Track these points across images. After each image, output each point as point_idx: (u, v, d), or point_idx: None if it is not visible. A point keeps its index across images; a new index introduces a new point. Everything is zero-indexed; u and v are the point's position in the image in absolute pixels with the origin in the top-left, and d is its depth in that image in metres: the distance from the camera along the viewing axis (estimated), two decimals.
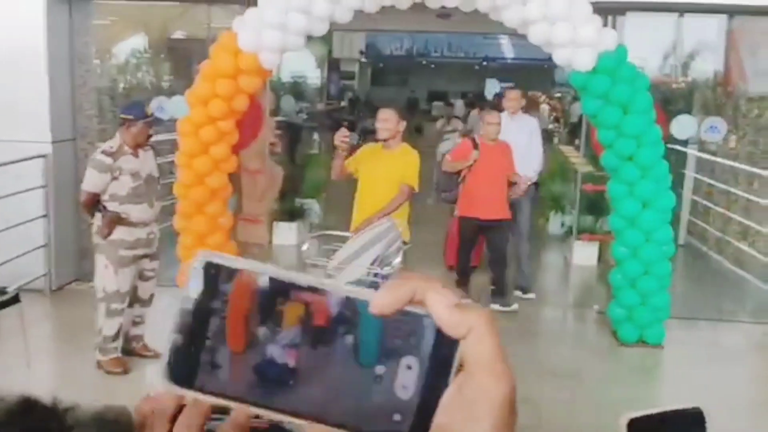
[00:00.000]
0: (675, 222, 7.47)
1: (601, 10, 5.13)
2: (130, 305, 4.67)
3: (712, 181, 7.90)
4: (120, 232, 4.42)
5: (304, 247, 4.32)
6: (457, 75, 25.29)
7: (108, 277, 4.47)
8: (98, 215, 4.45)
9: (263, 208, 6.94)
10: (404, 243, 3.86)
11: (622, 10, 5.94)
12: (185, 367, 0.40)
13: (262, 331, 0.39)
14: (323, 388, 0.39)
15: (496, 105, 12.08)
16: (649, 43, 7.25)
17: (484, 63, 25.50)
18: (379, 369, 0.39)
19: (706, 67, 8.46)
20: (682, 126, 6.61)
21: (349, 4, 5.12)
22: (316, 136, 12.01)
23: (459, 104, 16.94)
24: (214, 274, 0.40)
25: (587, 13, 4.97)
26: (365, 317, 0.39)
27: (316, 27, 5.26)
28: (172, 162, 5.78)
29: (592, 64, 4.92)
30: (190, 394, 0.40)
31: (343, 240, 4.16)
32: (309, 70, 17.19)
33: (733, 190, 7.42)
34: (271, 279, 0.39)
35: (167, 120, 5.79)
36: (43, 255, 6.00)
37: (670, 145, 6.46)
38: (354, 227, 4.52)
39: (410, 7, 5.20)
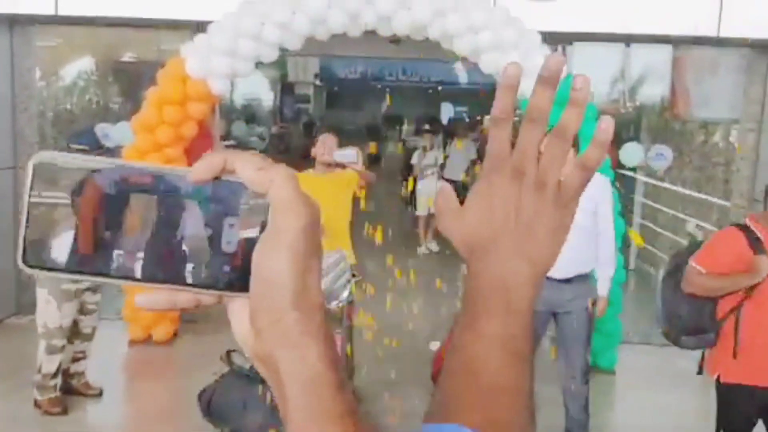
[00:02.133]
0: (625, 247, 7.58)
1: (549, 40, 5.20)
2: (71, 341, 4.47)
3: (659, 206, 8.06)
4: None
5: None
6: (411, 99, 25.48)
7: (50, 312, 4.28)
8: None
9: None
10: (353, 275, 3.79)
11: (569, 39, 6.04)
12: (37, 252, 0.45)
13: (108, 236, 0.45)
14: (167, 262, 0.46)
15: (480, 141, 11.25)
16: (597, 71, 7.40)
17: (439, 87, 25.76)
18: (207, 231, 0.46)
19: (653, 93, 8.68)
20: (630, 153, 6.71)
21: (300, 31, 5.08)
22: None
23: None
24: (54, 172, 0.45)
25: (537, 43, 5.03)
26: (190, 190, 0.45)
27: (266, 53, 5.19)
28: None
29: None
30: (42, 273, 0.46)
31: None
32: (262, 93, 17.07)
33: (679, 215, 7.57)
34: (113, 179, 0.45)
35: (113, 147, 5.62)
36: None
37: (619, 170, 6.56)
38: None
39: (362, 33, 5.19)
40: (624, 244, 5.94)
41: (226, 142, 8.82)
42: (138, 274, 0.45)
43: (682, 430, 4.42)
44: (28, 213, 0.45)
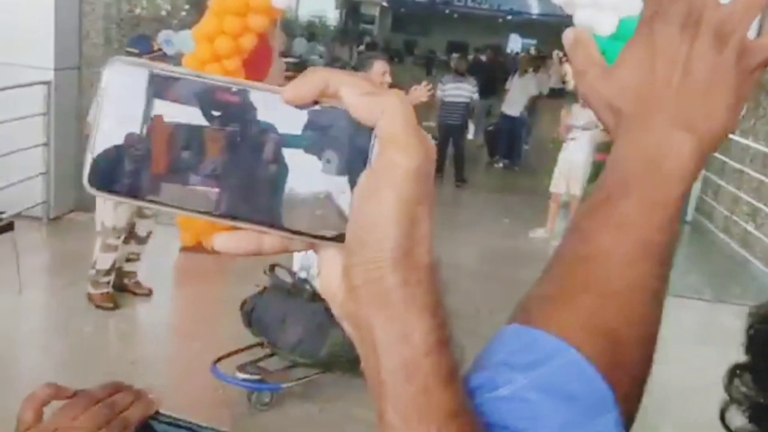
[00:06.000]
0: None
1: None
2: (127, 242, 4.65)
3: (725, 159, 7.73)
4: None
5: None
6: (479, 27, 24.74)
7: (107, 212, 4.44)
8: None
9: None
10: None
11: None
12: (107, 174, 0.39)
13: (183, 155, 0.39)
14: (251, 198, 0.39)
15: None
16: None
17: (509, 17, 24.92)
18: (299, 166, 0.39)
19: None
20: None
21: None
22: None
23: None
24: (130, 82, 0.39)
25: None
26: (283, 114, 0.38)
27: None
28: None
29: (612, 29, 4.73)
30: (113, 199, 0.40)
31: None
32: (327, 11, 16.81)
33: (746, 169, 7.26)
34: (195, 94, 0.38)
35: (174, 54, 5.65)
36: (41, 183, 5.96)
37: None
38: None
39: None
40: None
41: (287, 59, 8.77)
42: (216, 208, 0.39)
43: (720, 389, 4.37)
44: (98, 127, 0.39)
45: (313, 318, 3.62)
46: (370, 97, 0.37)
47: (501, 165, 10.81)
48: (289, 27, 9.76)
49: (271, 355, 3.77)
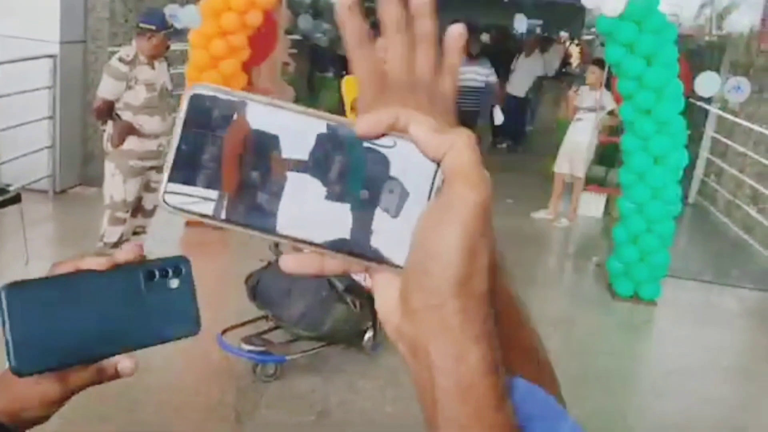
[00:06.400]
0: (687, 180, 7.34)
1: None
2: (134, 215, 4.68)
3: (729, 142, 7.74)
4: (131, 143, 4.38)
5: None
6: (483, 6, 24.55)
7: (115, 185, 4.47)
8: (111, 123, 4.40)
9: None
10: None
11: None
12: (181, 194, 0.41)
13: (253, 176, 0.40)
14: (311, 220, 0.41)
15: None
16: None
17: None
18: (363, 194, 0.40)
19: (742, 23, 8.16)
20: (706, 83, 6.42)
21: None
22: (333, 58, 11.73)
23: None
24: (207, 107, 0.41)
25: None
26: (350, 145, 0.40)
27: None
28: (183, 74, 5.69)
29: (620, 10, 4.73)
30: (190, 217, 0.41)
31: None
32: None
33: (749, 153, 7.27)
34: (267, 120, 0.40)
35: (182, 29, 5.65)
36: (47, 156, 5.99)
37: (691, 100, 6.29)
38: None
39: None
40: (685, 177, 5.76)
41: (292, 36, 8.74)
42: (280, 228, 0.41)
43: (712, 369, 4.42)
44: (174, 149, 0.41)
45: (316, 292, 3.66)
46: (439, 133, 0.39)
47: (504, 146, 10.81)
48: (294, 4, 9.72)
49: (276, 327, 3.83)
